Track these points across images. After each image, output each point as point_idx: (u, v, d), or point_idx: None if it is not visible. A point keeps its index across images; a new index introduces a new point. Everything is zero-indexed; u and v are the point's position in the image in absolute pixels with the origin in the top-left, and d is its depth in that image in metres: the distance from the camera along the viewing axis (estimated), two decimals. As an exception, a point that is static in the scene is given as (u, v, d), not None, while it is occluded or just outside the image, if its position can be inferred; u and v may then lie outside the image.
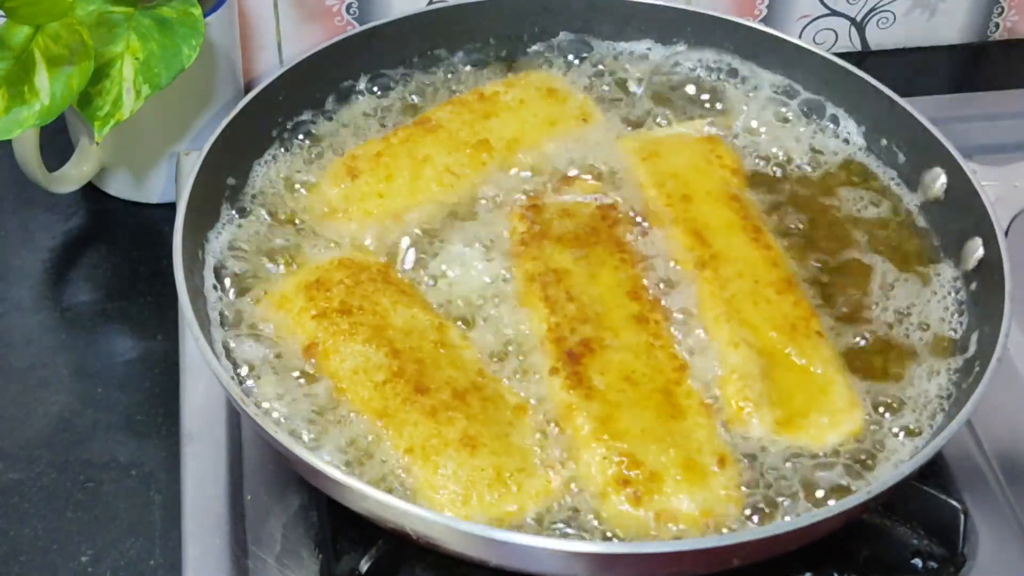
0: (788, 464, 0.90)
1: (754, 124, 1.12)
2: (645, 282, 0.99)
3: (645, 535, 0.86)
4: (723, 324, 0.96)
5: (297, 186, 1.05)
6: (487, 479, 0.86)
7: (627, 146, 1.09)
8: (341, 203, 1.03)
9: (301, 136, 1.09)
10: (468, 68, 1.16)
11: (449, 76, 1.15)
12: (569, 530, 0.86)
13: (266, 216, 1.03)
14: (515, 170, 1.07)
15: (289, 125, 1.09)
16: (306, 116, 1.10)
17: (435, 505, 0.86)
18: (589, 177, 1.07)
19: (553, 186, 1.06)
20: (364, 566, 0.88)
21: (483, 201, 1.05)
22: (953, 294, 1.00)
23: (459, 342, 0.95)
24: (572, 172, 1.07)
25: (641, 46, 1.17)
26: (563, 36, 1.18)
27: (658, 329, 0.95)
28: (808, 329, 0.96)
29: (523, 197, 1.05)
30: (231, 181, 1.04)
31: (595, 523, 0.86)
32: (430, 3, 1.19)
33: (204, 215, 1.00)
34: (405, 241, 1.02)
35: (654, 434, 0.89)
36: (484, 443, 0.88)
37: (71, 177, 1.16)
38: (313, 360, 0.93)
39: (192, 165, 0.99)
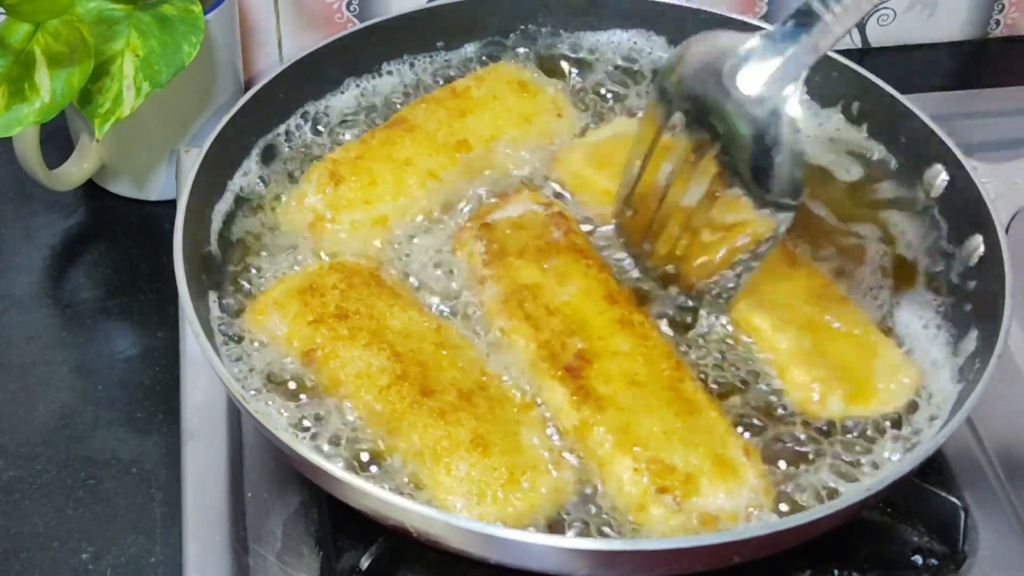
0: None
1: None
2: (617, 284, 0.98)
3: None
4: (755, 310, 0.95)
5: (297, 185, 1.05)
6: (500, 479, 0.86)
7: (569, 156, 1.08)
8: (326, 210, 1.02)
9: (302, 134, 1.09)
10: (469, 65, 1.16)
11: (450, 73, 1.15)
12: (588, 527, 0.86)
13: (266, 216, 1.03)
14: (495, 170, 1.07)
15: (290, 123, 1.09)
16: (307, 114, 1.10)
17: (449, 507, 0.85)
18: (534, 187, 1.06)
19: (496, 201, 1.04)
20: (365, 563, 0.88)
21: (467, 205, 1.05)
22: (954, 291, 1.00)
23: (459, 342, 0.94)
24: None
25: (642, 43, 1.17)
26: (564, 32, 1.18)
27: (644, 330, 0.95)
28: (834, 294, 0.96)
29: (468, 218, 1.03)
30: (231, 179, 1.04)
31: (615, 519, 0.86)
32: (430, 0, 1.19)
33: (204, 213, 1.00)
34: (392, 245, 1.01)
35: (677, 435, 0.88)
36: (495, 443, 0.88)
37: (71, 175, 1.16)
38: (312, 366, 0.92)
39: (192, 162, 0.99)
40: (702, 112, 0.89)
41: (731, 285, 0.94)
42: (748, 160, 0.87)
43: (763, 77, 0.87)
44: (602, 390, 0.90)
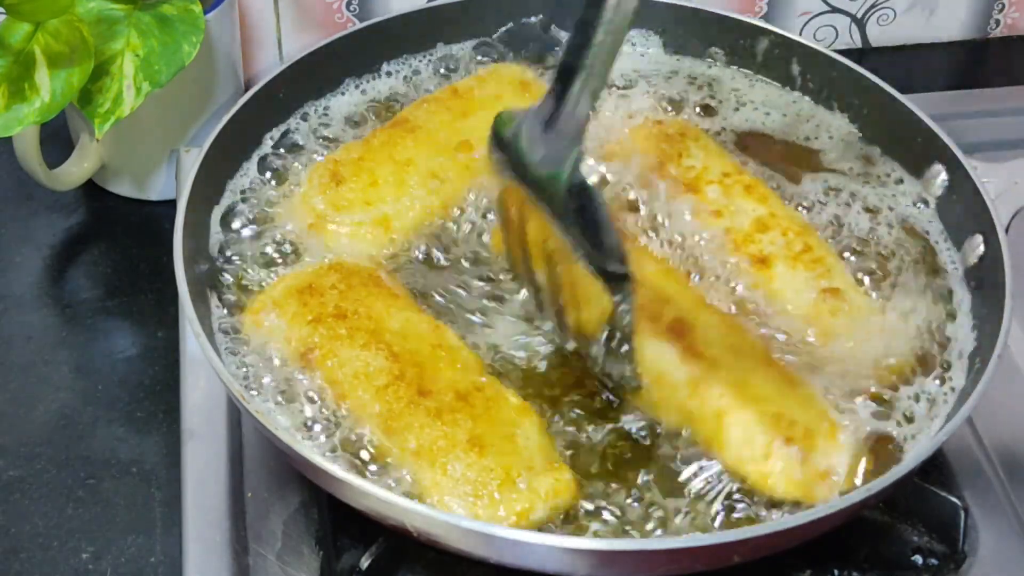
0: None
1: (754, 119, 1.12)
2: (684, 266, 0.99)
3: (806, 496, 0.87)
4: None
5: (297, 186, 1.05)
6: (497, 479, 0.86)
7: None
8: (328, 210, 1.02)
9: (302, 134, 1.09)
10: (469, 65, 1.16)
11: (450, 73, 1.15)
12: (591, 527, 0.87)
13: (266, 216, 1.03)
14: None
15: (290, 123, 1.09)
16: (306, 114, 1.10)
17: (445, 507, 0.85)
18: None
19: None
20: (365, 563, 0.88)
21: (470, 207, 1.04)
22: (954, 291, 1.00)
23: (456, 343, 0.94)
24: None
25: (642, 43, 1.17)
26: (564, 32, 1.17)
27: (722, 309, 0.95)
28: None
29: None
30: (231, 179, 1.04)
31: (611, 520, 0.87)
32: (430, 0, 1.19)
33: (204, 213, 1.00)
34: (393, 246, 1.01)
35: (788, 396, 0.89)
36: (491, 443, 0.87)
37: (72, 174, 1.16)
38: (310, 365, 0.92)
39: (192, 162, 0.99)
40: (523, 186, 0.87)
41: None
42: (568, 227, 0.84)
43: (550, 148, 0.84)
44: (707, 353, 0.90)
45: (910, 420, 0.91)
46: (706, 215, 1.01)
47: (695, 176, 1.04)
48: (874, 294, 0.99)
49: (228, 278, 0.99)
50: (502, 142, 0.89)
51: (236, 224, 1.02)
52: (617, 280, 0.84)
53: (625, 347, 0.88)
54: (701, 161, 1.05)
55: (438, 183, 1.04)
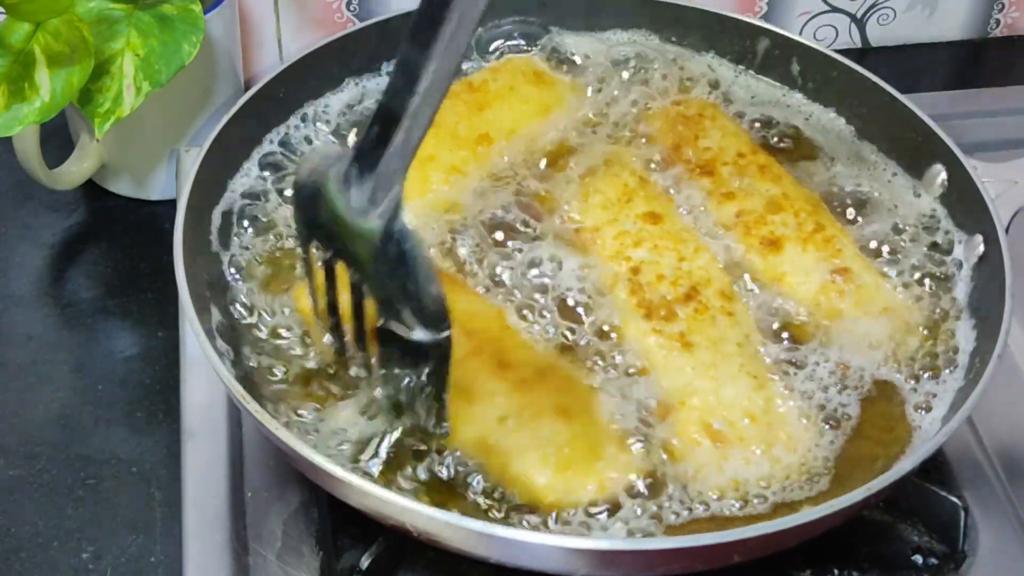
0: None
1: (755, 119, 1.12)
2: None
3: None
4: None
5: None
6: (583, 448, 0.88)
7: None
8: None
9: (302, 133, 1.09)
10: (467, 64, 1.16)
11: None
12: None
13: (265, 216, 1.03)
14: (520, 161, 1.07)
15: (290, 122, 1.09)
16: (306, 114, 1.10)
17: (530, 477, 0.86)
18: None
19: None
20: (365, 563, 0.88)
21: (490, 199, 1.05)
22: (954, 290, 1.00)
23: (521, 325, 0.95)
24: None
25: (641, 41, 1.17)
26: (563, 32, 1.17)
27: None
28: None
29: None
30: (231, 179, 1.04)
31: (685, 497, 0.88)
32: (430, 0, 1.19)
33: (204, 213, 1.00)
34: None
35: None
36: (575, 415, 0.89)
37: (72, 174, 1.16)
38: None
39: (192, 162, 0.99)
40: (333, 242, 0.83)
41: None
42: (381, 282, 0.82)
43: (364, 194, 0.80)
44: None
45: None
46: (719, 197, 1.04)
47: (711, 157, 1.06)
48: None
49: (229, 278, 0.99)
50: (306, 191, 0.84)
51: (236, 224, 1.02)
52: (435, 331, 0.81)
53: (437, 398, 0.85)
54: (717, 143, 1.07)
55: (460, 177, 1.04)
